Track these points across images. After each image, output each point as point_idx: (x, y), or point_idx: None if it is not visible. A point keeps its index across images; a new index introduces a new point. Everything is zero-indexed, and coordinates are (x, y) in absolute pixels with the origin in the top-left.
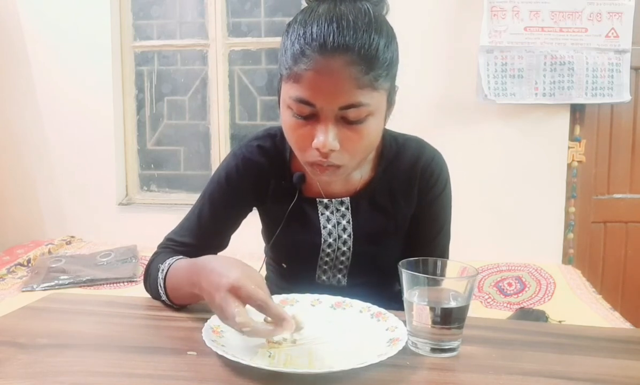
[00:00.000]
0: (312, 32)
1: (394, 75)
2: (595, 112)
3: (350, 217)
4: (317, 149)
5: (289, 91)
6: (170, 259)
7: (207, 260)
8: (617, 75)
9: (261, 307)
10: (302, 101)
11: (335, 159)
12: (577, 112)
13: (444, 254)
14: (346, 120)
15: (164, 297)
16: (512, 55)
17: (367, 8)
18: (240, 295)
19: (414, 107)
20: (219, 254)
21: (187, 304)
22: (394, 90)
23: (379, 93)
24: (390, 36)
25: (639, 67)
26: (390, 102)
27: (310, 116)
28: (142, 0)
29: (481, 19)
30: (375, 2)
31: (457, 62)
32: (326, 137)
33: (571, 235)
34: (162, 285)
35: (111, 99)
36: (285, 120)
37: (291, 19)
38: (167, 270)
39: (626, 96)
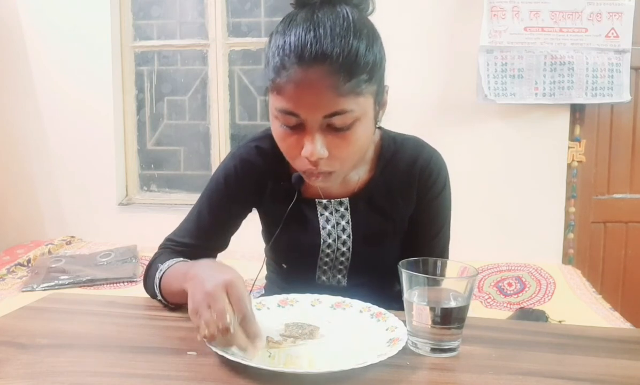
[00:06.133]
0: (290, 43)
1: (381, 76)
2: (595, 112)
3: (349, 218)
4: (307, 158)
5: (274, 102)
6: (170, 260)
7: (206, 261)
8: (617, 75)
9: (245, 315)
10: (286, 112)
11: (326, 165)
12: (577, 112)
13: (443, 254)
14: (333, 128)
15: (159, 297)
16: (512, 55)
17: (346, 12)
18: (231, 293)
19: (414, 107)
20: (218, 257)
21: (178, 302)
22: (383, 90)
23: (364, 97)
24: (371, 38)
25: (639, 67)
26: (379, 103)
27: (297, 126)
28: (142, 0)
29: (481, 19)
30: (357, 3)
31: (457, 62)
32: (313, 146)
33: (571, 235)
34: (157, 284)
35: (111, 99)
36: (275, 130)
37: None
38: (165, 270)
39: (626, 96)
